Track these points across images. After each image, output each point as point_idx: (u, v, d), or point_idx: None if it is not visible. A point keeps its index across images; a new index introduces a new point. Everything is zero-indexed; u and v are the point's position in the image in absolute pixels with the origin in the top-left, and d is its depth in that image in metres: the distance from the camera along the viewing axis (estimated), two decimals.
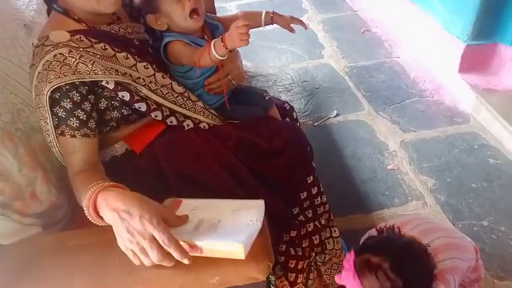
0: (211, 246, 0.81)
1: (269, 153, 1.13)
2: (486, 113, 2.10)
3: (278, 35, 3.03)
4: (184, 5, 1.08)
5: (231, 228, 0.83)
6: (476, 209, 1.68)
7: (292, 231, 1.13)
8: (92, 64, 0.96)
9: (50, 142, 0.99)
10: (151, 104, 1.05)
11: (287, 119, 1.38)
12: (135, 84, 1.02)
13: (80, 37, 0.98)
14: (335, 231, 1.29)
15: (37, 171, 1.04)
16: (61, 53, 0.94)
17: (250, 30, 0.98)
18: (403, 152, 2.00)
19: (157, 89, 1.06)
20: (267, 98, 1.29)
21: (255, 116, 1.23)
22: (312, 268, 1.20)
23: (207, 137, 1.12)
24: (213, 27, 1.24)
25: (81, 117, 0.97)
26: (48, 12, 1.07)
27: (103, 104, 1.02)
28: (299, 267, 1.12)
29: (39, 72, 0.95)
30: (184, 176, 1.07)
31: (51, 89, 0.93)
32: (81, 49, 0.96)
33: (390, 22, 3.05)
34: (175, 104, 1.09)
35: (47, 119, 0.96)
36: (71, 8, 1.00)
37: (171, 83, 1.10)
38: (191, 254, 0.80)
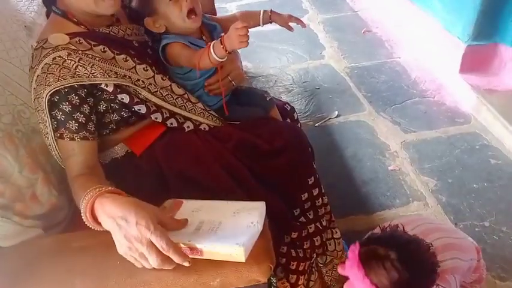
0: (211, 248, 0.80)
1: (270, 154, 1.12)
2: (487, 114, 2.10)
3: (278, 36, 3.03)
4: (181, 5, 1.08)
5: (231, 230, 0.83)
6: (477, 209, 1.67)
7: (293, 233, 1.12)
8: (91, 67, 0.95)
9: (49, 145, 0.99)
10: (151, 106, 1.05)
11: (288, 120, 1.38)
12: (135, 86, 1.02)
13: (79, 40, 0.97)
14: (336, 232, 1.29)
15: (38, 173, 1.04)
16: (60, 56, 0.94)
17: (249, 30, 0.98)
18: (404, 153, 1.99)
19: (157, 91, 1.06)
20: (267, 98, 1.29)
21: (256, 117, 1.23)
22: (313, 270, 1.20)
23: (207, 138, 1.12)
24: (210, 28, 1.24)
25: (80, 120, 0.96)
26: (47, 15, 1.07)
27: (102, 106, 1.02)
28: (300, 268, 1.12)
29: (38, 75, 0.95)
30: (185, 178, 1.06)
31: (50, 92, 0.92)
32: (80, 52, 0.96)
33: (391, 22, 3.04)
34: (175, 106, 1.09)
35: (46, 122, 0.96)
36: (69, 10, 1.00)
37: (170, 85, 1.10)
38: (191, 256, 0.80)
